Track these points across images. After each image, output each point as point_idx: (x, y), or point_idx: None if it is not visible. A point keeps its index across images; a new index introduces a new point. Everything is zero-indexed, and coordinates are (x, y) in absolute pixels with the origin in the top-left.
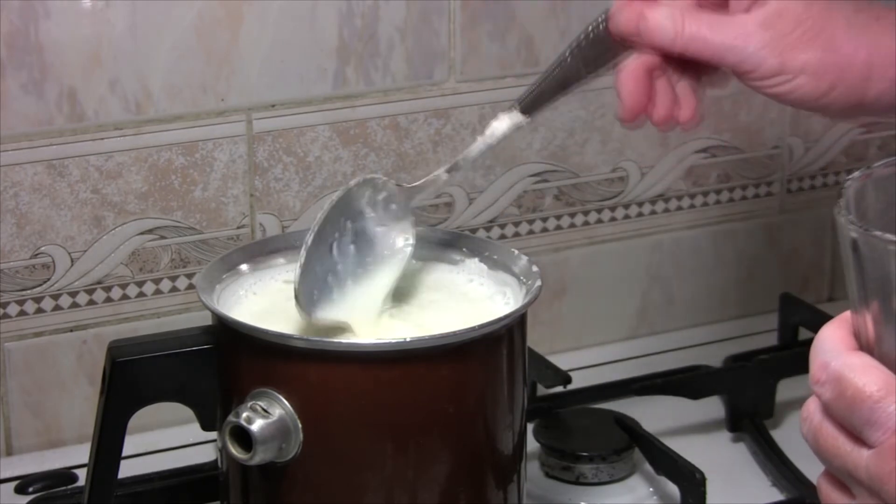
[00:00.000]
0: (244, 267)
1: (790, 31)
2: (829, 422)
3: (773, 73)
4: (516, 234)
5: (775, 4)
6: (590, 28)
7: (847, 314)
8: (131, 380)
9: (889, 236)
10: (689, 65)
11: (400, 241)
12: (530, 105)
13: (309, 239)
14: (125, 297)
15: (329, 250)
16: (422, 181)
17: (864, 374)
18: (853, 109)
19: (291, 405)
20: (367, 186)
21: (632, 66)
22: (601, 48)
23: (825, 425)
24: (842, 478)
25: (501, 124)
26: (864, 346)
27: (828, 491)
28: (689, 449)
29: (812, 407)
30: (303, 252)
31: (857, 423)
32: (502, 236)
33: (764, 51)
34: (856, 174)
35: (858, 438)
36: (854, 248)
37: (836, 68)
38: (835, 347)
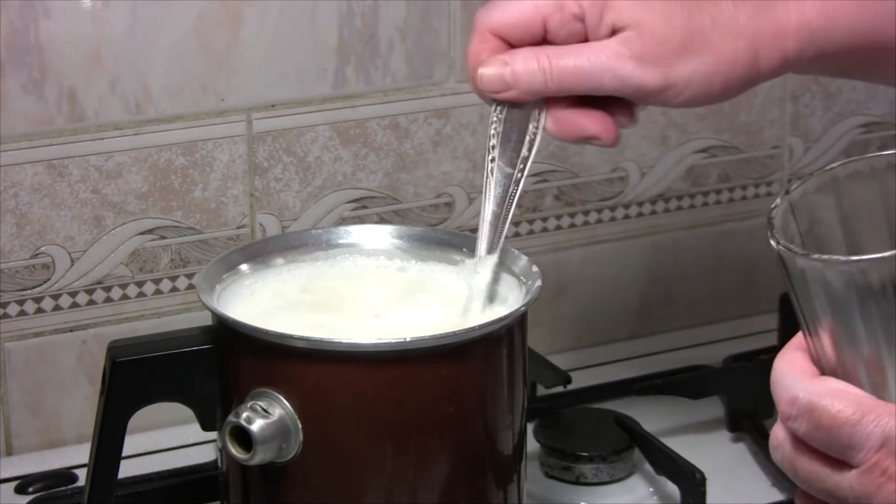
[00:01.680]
0: (244, 267)
1: (659, 48)
2: (805, 450)
3: (660, 90)
4: (516, 234)
5: (632, 26)
6: (490, 131)
7: (795, 341)
8: (131, 380)
9: (833, 257)
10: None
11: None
12: (491, 244)
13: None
14: (125, 297)
15: None
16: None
17: (836, 399)
18: (751, 86)
19: (291, 405)
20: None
21: (564, 109)
22: (513, 135)
23: (800, 454)
24: (823, 498)
25: (483, 278)
26: (826, 369)
27: None
28: (689, 449)
29: (781, 436)
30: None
31: (838, 449)
32: None
33: (640, 69)
34: (777, 201)
35: (839, 461)
36: (797, 274)
37: (723, 65)
38: (798, 379)
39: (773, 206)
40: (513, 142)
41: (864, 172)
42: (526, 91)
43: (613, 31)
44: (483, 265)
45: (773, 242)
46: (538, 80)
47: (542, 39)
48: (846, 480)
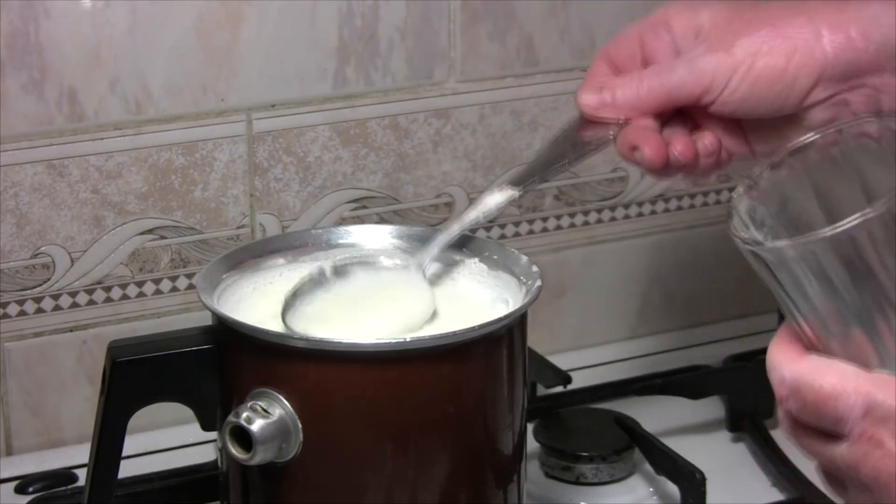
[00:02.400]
0: (244, 267)
1: (724, 32)
2: (801, 427)
3: (729, 71)
4: (516, 234)
5: (706, 16)
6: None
7: (786, 326)
8: (131, 380)
9: (782, 241)
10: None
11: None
12: (521, 179)
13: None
14: (125, 297)
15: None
16: (428, 248)
17: (818, 375)
18: (822, 70)
19: (291, 405)
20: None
21: (640, 127)
22: (589, 132)
23: (799, 431)
24: (828, 470)
25: (495, 198)
26: (809, 347)
27: (826, 480)
28: (689, 449)
29: (782, 415)
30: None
31: (827, 423)
32: (502, 236)
33: (709, 54)
34: (739, 189)
35: (832, 434)
36: (762, 262)
37: (783, 38)
38: (784, 359)
39: (734, 195)
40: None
41: (830, 144)
42: (622, 110)
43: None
44: (500, 191)
45: (730, 232)
46: (631, 98)
47: (643, 62)
48: (839, 451)
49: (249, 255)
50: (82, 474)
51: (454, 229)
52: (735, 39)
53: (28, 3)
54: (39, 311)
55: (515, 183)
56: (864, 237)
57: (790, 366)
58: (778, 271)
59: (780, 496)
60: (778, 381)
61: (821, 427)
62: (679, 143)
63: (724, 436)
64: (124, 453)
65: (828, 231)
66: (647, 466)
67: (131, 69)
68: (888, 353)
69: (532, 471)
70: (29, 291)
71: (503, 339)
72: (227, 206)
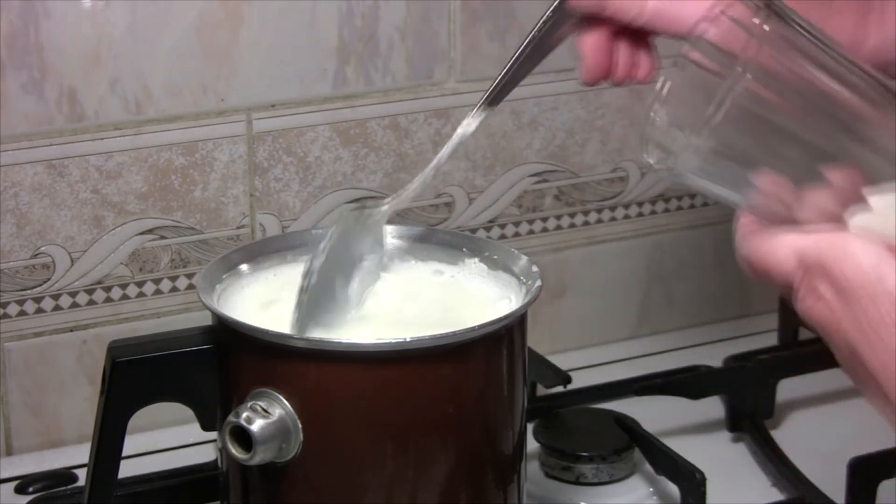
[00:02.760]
0: (244, 267)
1: None
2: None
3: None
4: (516, 234)
5: None
6: (548, 12)
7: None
8: (131, 380)
9: (682, 155)
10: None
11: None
12: (495, 98)
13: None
14: (125, 297)
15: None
16: (399, 196)
17: (753, 243)
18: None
19: (291, 405)
20: (360, 214)
21: (595, 35)
22: (556, 31)
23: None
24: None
25: (472, 124)
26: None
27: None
28: (689, 449)
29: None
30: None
31: (779, 285)
32: (502, 236)
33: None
34: (652, 117)
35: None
36: (687, 177)
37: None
38: (739, 238)
39: (651, 115)
40: None
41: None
42: (615, 18)
43: None
44: (472, 118)
45: (652, 168)
46: (631, 13)
47: None
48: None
49: (249, 255)
50: (82, 474)
51: (433, 164)
52: None
53: (28, 3)
54: (39, 311)
55: (492, 102)
56: (744, 103)
57: (742, 243)
58: (703, 177)
59: (780, 496)
60: (740, 260)
61: (781, 290)
62: (645, 67)
63: (724, 436)
64: (124, 453)
65: (713, 116)
66: (647, 466)
67: (131, 69)
68: (841, 192)
69: (532, 471)
70: (29, 291)
71: (503, 339)
72: (227, 206)
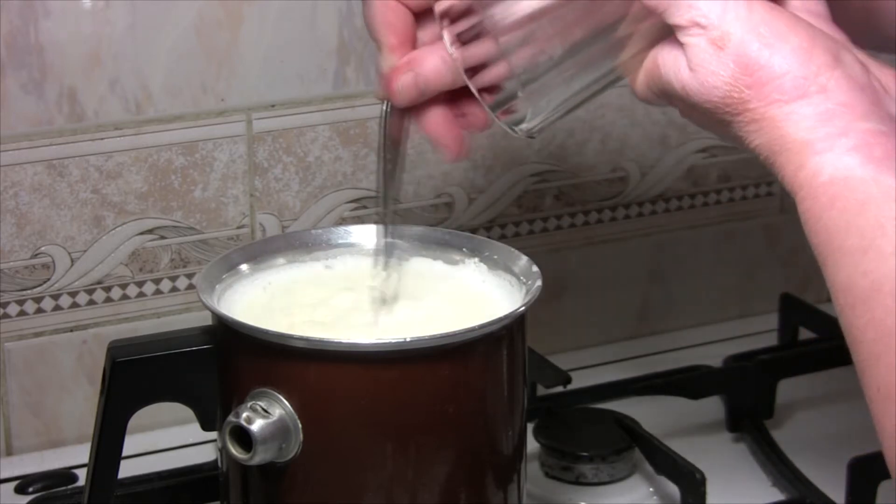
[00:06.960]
0: (244, 267)
1: None
2: None
3: None
4: (516, 234)
5: None
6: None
7: None
8: (131, 380)
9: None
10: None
11: None
12: (386, 201)
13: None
14: (125, 297)
15: None
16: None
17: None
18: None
19: (291, 405)
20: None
21: (435, 115)
22: (400, 124)
23: None
24: None
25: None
26: None
27: None
28: (689, 449)
29: None
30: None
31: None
32: (502, 236)
33: None
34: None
35: None
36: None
37: None
38: None
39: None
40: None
41: None
42: (434, 90)
43: None
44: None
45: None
46: (448, 80)
47: None
48: None
49: (249, 255)
50: (82, 474)
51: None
52: None
53: (28, 3)
54: (39, 311)
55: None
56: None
57: None
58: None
59: (780, 496)
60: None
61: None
62: (479, 118)
63: (724, 436)
64: (124, 453)
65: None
66: (647, 466)
67: (131, 69)
68: None
69: (532, 471)
70: (29, 291)
71: (503, 339)
72: (227, 206)
